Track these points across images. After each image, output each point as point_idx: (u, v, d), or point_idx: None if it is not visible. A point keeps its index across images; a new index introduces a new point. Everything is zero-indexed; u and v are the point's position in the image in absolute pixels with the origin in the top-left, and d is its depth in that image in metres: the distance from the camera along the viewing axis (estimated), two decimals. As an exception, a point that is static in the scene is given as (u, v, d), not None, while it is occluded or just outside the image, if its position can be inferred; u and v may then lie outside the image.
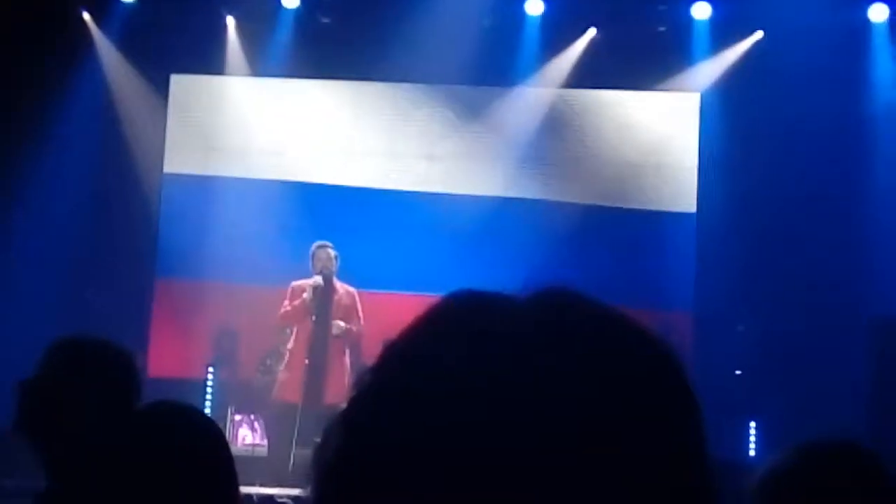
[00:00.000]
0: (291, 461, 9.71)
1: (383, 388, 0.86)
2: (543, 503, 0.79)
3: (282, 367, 10.24)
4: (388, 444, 0.82)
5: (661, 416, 0.83)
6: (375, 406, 0.85)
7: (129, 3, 11.74)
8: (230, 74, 12.04)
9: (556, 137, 11.88)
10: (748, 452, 10.06)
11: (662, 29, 11.59)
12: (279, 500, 8.49)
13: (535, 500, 0.79)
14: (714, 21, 11.61)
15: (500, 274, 10.17)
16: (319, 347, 9.94)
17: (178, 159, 12.00)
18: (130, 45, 11.78)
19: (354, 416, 0.86)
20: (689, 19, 11.67)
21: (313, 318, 9.98)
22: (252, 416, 10.68)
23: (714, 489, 0.84)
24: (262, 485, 8.99)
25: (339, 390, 9.82)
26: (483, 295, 0.88)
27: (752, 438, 10.24)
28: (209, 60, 11.92)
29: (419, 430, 0.81)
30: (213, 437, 2.33)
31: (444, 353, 0.84)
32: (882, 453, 1.97)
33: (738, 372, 10.53)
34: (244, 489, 2.31)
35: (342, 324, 9.96)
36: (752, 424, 10.28)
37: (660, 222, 11.63)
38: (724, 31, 11.60)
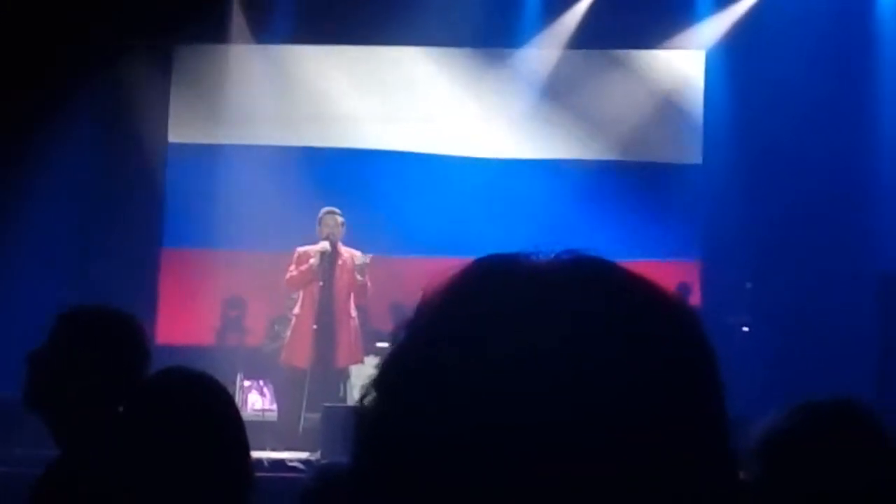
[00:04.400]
0: (301, 425, 9.74)
1: (415, 352, 0.86)
2: (577, 467, 0.80)
3: (289, 333, 10.25)
4: (423, 411, 0.83)
5: (688, 380, 0.85)
6: (408, 373, 0.86)
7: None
8: (233, 43, 12.00)
9: (560, 98, 11.85)
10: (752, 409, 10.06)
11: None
12: (289, 463, 8.52)
13: (569, 462, 0.80)
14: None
15: (509, 233, 10.17)
16: (326, 312, 9.94)
17: (183, 129, 12.00)
18: (134, 17, 11.72)
19: (390, 380, 0.87)
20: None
21: (320, 283, 9.98)
22: (261, 382, 10.69)
23: (732, 449, 0.87)
24: (272, 449, 9.03)
25: (346, 354, 9.83)
26: (511, 259, 0.89)
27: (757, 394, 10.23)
28: (212, 30, 11.87)
29: (452, 396, 0.82)
30: (223, 401, 2.33)
31: (476, 318, 0.84)
32: (892, 410, 1.97)
33: (745, 329, 10.51)
34: (254, 454, 2.32)
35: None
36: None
37: (666, 174, 11.65)
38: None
